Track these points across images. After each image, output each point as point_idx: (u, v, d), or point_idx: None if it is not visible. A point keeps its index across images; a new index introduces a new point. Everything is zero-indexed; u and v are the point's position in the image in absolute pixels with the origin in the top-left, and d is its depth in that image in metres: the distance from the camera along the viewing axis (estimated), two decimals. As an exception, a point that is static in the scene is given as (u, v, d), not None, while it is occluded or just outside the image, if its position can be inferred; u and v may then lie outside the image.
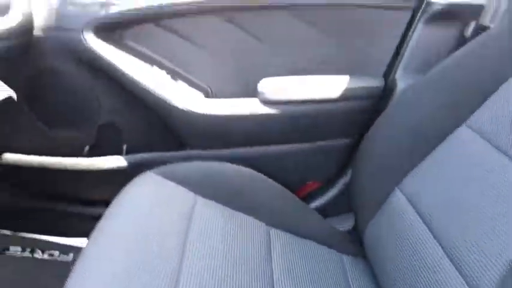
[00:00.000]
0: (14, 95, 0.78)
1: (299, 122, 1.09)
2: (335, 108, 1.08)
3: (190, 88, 1.11)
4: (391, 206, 0.75)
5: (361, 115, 1.11)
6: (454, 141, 0.70)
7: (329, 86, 1.05)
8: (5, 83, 0.80)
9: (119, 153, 1.15)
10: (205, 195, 0.83)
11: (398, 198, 0.74)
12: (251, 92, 1.08)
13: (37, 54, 0.98)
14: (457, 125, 0.71)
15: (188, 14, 1.02)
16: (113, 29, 1.01)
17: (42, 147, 1.12)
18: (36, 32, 0.96)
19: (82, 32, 0.97)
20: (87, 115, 1.11)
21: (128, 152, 1.16)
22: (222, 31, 1.05)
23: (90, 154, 1.14)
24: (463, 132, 0.69)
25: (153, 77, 1.04)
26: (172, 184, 0.83)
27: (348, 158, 1.19)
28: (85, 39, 0.98)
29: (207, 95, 1.12)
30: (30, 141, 1.11)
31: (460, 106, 0.71)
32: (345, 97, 1.05)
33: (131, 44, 1.04)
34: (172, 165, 0.92)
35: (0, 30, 0.84)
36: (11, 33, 0.87)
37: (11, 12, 0.89)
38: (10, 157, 1.13)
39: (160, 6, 0.98)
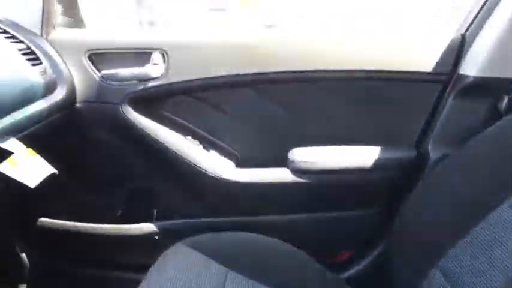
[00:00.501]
0: (56, 171, 0.82)
1: (329, 192, 1.08)
2: (366, 178, 1.06)
3: (221, 156, 1.13)
4: (428, 283, 0.71)
5: (392, 185, 1.09)
6: (494, 221, 0.67)
7: (360, 156, 1.05)
8: (49, 152, 0.84)
9: (150, 218, 1.16)
10: (236, 269, 0.82)
11: (435, 276, 0.70)
12: (280, 160, 1.09)
13: (77, 125, 1.04)
14: (498, 203, 0.68)
15: (219, 85, 1.07)
16: (149, 101, 1.06)
17: (77, 212, 1.15)
18: (78, 104, 1.03)
19: (120, 104, 1.03)
20: (120, 181, 1.14)
21: (158, 217, 1.17)
22: (251, 101, 1.09)
23: (122, 219, 1.16)
24: (504, 212, 0.67)
25: (186, 146, 1.08)
26: (203, 258, 0.83)
27: (379, 227, 1.15)
28: (123, 111, 1.03)
29: (237, 163, 1.14)
30: (66, 206, 1.15)
31: (500, 184, 0.69)
32: (376, 167, 1.04)
33: (166, 114, 1.09)
34: (203, 236, 0.92)
35: (46, 106, 0.89)
36: (56, 108, 0.93)
37: (57, 88, 0.96)
38: (47, 221, 1.16)
39: (193, 80, 1.03)
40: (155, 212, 1.18)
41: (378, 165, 1.05)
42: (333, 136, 1.09)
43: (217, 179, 1.07)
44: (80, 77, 1.03)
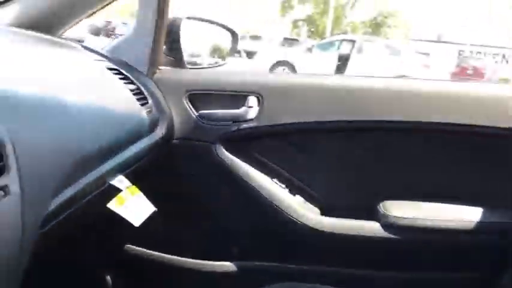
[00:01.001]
0: (156, 209, 0.85)
1: (425, 251, 1.00)
2: (468, 240, 0.97)
3: (306, 202, 1.11)
4: None
5: (497, 251, 0.98)
6: None
7: (463, 216, 0.97)
8: (147, 187, 0.88)
9: (231, 257, 1.16)
10: None
11: None
12: (368, 211, 1.04)
13: (172, 160, 1.08)
14: None
15: (309, 130, 1.06)
16: (240, 141, 1.08)
17: (163, 244, 1.18)
18: (174, 140, 1.07)
19: (214, 143, 1.06)
20: (207, 217, 1.16)
21: (240, 257, 1.17)
22: (342, 147, 1.06)
23: (204, 255, 1.17)
24: None
25: (272, 188, 1.07)
26: None
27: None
28: (216, 150, 1.06)
29: (322, 211, 1.10)
30: (153, 236, 1.19)
31: None
32: (480, 230, 0.95)
33: (256, 155, 1.10)
34: (284, 285, 0.89)
35: (149, 143, 0.94)
36: (156, 145, 0.98)
37: (159, 126, 1.01)
38: (133, 249, 1.21)
39: (284, 124, 1.04)
40: (235, 251, 1.18)
41: (482, 227, 0.95)
42: (431, 191, 1.02)
43: (301, 226, 1.04)
44: (178, 114, 1.08)
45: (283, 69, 9.17)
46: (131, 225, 1.17)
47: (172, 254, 1.18)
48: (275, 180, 1.10)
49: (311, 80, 1.07)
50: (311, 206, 1.11)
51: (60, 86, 0.69)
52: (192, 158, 1.09)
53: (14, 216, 0.47)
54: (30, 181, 0.50)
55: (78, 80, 0.78)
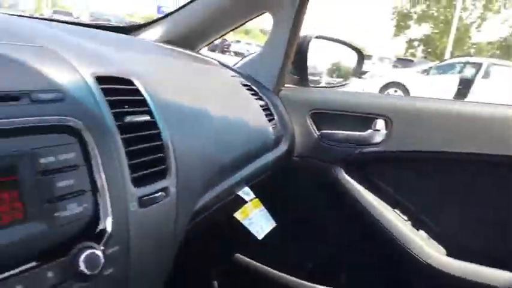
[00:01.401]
0: (275, 224, 0.87)
1: None
2: None
3: (430, 239, 1.01)
4: None
5: None
6: None
7: None
8: (267, 201, 0.90)
9: (338, 283, 1.12)
10: None
11: None
12: (504, 258, 0.91)
13: (290, 177, 1.09)
14: None
15: (441, 160, 0.97)
16: (362, 166, 1.04)
17: (271, 258, 1.20)
18: (294, 158, 1.08)
19: (333, 164, 1.04)
20: (320, 236, 1.15)
21: (346, 285, 1.12)
22: (475, 182, 0.95)
23: (307, 276, 1.15)
24: None
25: (393, 219, 1.01)
26: None
27: None
28: (335, 171, 1.04)
29: (448, 250, 1.00)
30: (260, 250, 1.21)
31: None
32: None
33: (377, 182, 1.05)
34: None
35: (272, 158, 0.96)
36: (278, 160, 1.00)
37: (282, 142, 1.03)
38: (242, 259, 1.24)
39: (415, 152, 0.97)
40: (343, 278, 1.14)
41: None
42: None
43: (424, 265, 0.96)
44: (300, 132, 1.08)
45: (395, 90, 8.73)
46: (242, 235, 1.20)
47: (279, 270, 1.19)
48: (397, 211, 1.03)
49: (444, 106, 0.98)
50: (436, 244, 1.01)
51: (206, 98, 0.75)
52: (310, 177, 1.09)
53: (170, 216, 0.52)
54: (182, 184, 0.54)
55: (218, 94, 0.84)
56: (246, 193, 0.82)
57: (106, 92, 0.47)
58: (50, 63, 0.44)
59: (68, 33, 0.58)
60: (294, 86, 1.20)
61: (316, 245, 1.15)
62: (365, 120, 1.03)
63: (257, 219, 0.80)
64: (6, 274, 0.34)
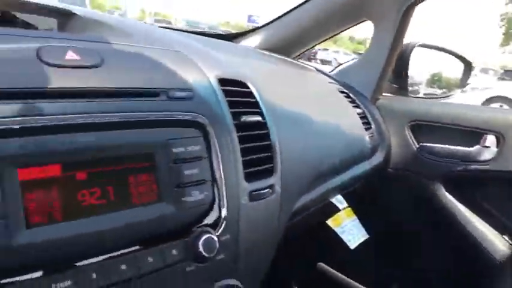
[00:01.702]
0: (368, 236, 0.86)
1: None
2: None
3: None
4: None
5: None
6: None
7: None
8: (360, 212, 0.89)
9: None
10: None
11: None
12: None
13: (384, 189, 1.07)
14: None
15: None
16: (465, 184, 0.98)
17: (355, 270, 1.17)
18: (390, 169, 1.05)
19: (432, 179, 0.99)
20: (407, 254, 1.10)
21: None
22: None
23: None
24: None
25: (498, 243, 0.93)
26: None
27: None
28: (433, 187, 0.99)
29: None
30: (343, 260, 1.19)
31: None
32: None
33: (481, 202, 0.98)
34: None
35: (367, 168, 0.95)
36: (373, 171, 0.98)
37: (377, 152, 1.01)
38: (324, 268, 1.24)
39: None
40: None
41: None
42: None
43: None
44: (397, 144, 1.05)
45: (500, 105, 7.90)
46: (329, 243, 1.20)
47: (362, 285, 1.16)
48: (505, 237, 0.95)
49: None
50: None
51: (306, 102, 0.78)
52: (406, 191, 1.05)
53: (275, 212, 0.55)
54: (285, 184, 0.57)
55: (317, 99, 0.86)
56: (339, 201, 0.82)
57: (226, 93, 0.52)
58: (184, 65, 0.49)
59: (192, 40, 0.65)
60: (392, 95, 1.17)
61: (405, 262, 1.10)
62: (471, 134, 0.96)
63: (350, 229, 0.80)
64: (139, 247, 0.40)
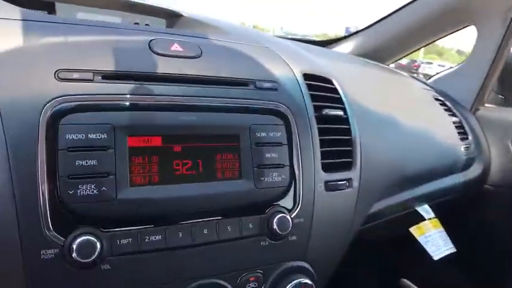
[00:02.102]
0: (455, 249, 0.81)
1: None
2: None
3: None
4: None
5: None
6: None
7: None
8: (449, 226, 0.83)
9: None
10: None
11: None
12: None
13: (481, 208, 0.99)
14: None
15: None
16: None
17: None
18: (487, 186, 0.97)
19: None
20: (498, 277, 1.00)
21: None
22: None
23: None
24: None
25: None
26: None
27: None
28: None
29: None
30: (429, 278, 1.12)
31: None
32: None
33: None
34: None
35: (460, 180, 0.89)
36: (467, 184, 0.92)
37: (473, 165, 0.94)
38: (407, 284, 1.18)
39: None
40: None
41: None
42: None
43: None
44: (498, 159, 0.97)
45: None
46: (408, 257, 1.14)
47: None
48: None
49: None
50: None
51: (396, 106, 0.77)
52: (505, 209, 0.96)
53: (350, 207, 0.56)
54: (364, 181, 0.58)
55: (409, 103, 0.84)
56: (426, 211, 0.79)
57: (310, 87, 0.55)
58: (271, 59, 0.54)
59: (281, 40, 0.70)
60: (496, 106, 1.08)
61: (497, 285, 1.00)
62: None
63: (434, 239, 0.76)
64: (220, 217, 0.45)
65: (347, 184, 0.55)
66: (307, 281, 0.49)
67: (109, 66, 0.43)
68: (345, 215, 0.56)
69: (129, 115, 0.41)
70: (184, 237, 0.42)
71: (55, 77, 0.40)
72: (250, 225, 0.46)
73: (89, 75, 0.41)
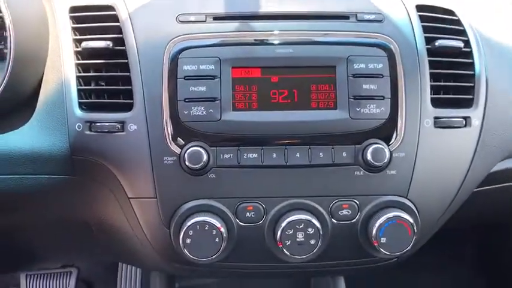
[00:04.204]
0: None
1: None
2: None
3: None
4: None
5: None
6: None
7: None
8: None
9: None
10: None
11: None
12: None
13: None
14: None
15: None
16: None
17: None
18: None
19: None
20: None
21: None
22: None
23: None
24: None
25: None
26: None
27: None
28: None
29: None
30: None
31: None
32: None
33: None
34: None
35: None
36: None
37: None
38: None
39: None
40: None
41: None
42: None
43: None
44: None
45: None
46: None
47: None
48: None
49: None
50: None
51: None
52: None
53: (466, 149, 0.52)
54: (488, 126, 0.52)
55: None
56: None
57: (423, 18, 0.53)
58: None
59: None
60: None
61: None
62: None
63: None
64: (312, 143, 0.48)
65: (463, 123, 0.51)
66: (407, 216, 0.48)
67: (219, 9, 0.51)
68: (460, 158, 0.52)
69: (233, 49, 0.49)
70: (278, 158, 0.48)
71: (176, 20, 0.50)
72: (344, 154, 0.48)
73: (202, 17, 0.50)
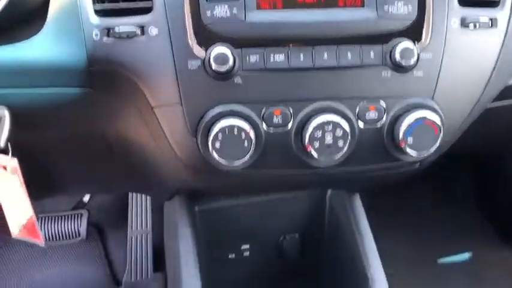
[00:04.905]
0: None
1: None
2: None
3: None
4: None
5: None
6: None
7: None
8: None
9: None
10: None
11: None
12: None
13: None
14: None
15: None
16: None
17: None
18: None
19: None
20: None
21: None
22: None
23: None
24: None
25: None
26: None
27: None
28: None
29: None
30: None
31: None
32: None
33: None
34: None
35: None
36: None
37: None
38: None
39: None
40: None
41: None
42: None
43: None
44: None
45: None
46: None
47: None
48: None
49: None
50: None
51: None
52: None
53: (491, 52, 0.52)
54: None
55: None
56: None
57: None
58: None
59: None
60: None
61: None
62: None
63: None
64: (340, 43, 0.47)
65: (489, 24, 0.50)
66: (434, 117, 0.48)
67: None
68: (484, 61, 0.52)
69: None
70: (305, 59, 0.47)
71: None
72: (372, 54, 0.48)
73: None
